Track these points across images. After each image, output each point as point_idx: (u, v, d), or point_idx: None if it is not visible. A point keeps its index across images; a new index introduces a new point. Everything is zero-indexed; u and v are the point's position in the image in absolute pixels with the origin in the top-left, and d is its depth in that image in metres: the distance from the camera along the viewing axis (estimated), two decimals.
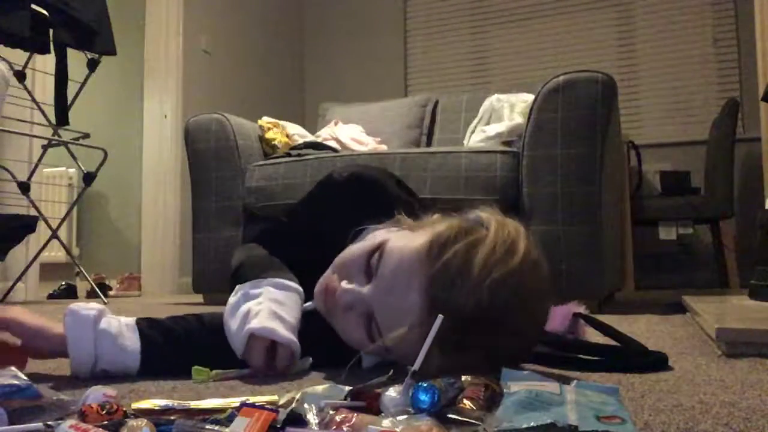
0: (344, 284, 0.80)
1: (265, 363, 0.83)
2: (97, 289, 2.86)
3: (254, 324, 0.83)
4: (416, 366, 0.59)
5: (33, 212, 2.79)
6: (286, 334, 0.83)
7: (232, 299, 0.89)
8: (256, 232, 1.08)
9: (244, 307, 0.86)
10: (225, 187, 2.43)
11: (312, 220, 1.01)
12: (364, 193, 0.94)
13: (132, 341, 0.83)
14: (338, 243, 0.89)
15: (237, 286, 0.91)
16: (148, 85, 3.77)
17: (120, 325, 0.84)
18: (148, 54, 3.77)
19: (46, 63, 2.98)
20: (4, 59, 2.60)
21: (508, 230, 0.76)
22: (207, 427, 0.48)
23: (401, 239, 0.79)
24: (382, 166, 2.16)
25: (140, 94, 3.82)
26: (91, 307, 0.83)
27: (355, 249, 0.84)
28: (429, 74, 4.64)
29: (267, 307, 0.85)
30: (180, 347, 0.85)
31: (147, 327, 0.85)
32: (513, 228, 0.78)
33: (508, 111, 2.49)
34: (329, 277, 0.85)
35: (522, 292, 0.72)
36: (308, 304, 0.91)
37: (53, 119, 2.85)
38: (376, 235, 0.85)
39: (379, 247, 0.79)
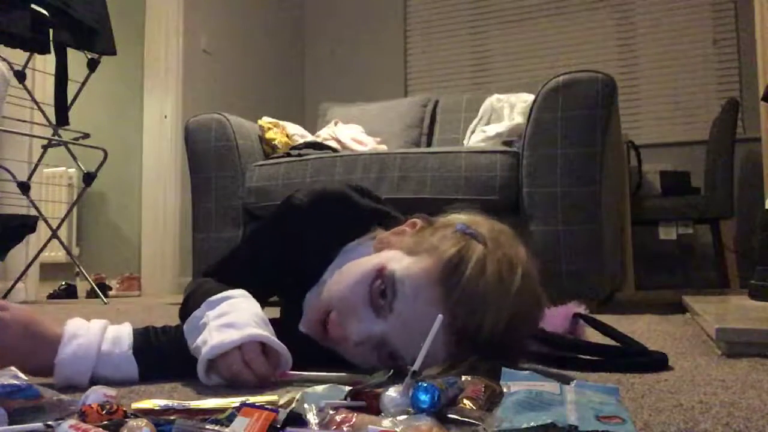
0: (353, 322, 0.78)
1: (249, 370, 0.75)
2: (97, 289, 2.85)
3: (205, 349, 0.75)
4: (416, 366, 0.59)
5: (33, 212, 2.79)
6: (238, 334, 0.75)
7: (196, 343, 0.79)
8: (219, 259, 1.01)
9: (198, 342, 0.78)
10: (225, 187, 2.43)
11: (281, 246, 0.95)
12: (332, 212, 0.92)
13: (130, 374, 0.80)
14: (309, 264, 0.89)
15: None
16: (148, 85, 3.77)
17: (117, 360, 0.79)
18: (148, 54, 3.77)
19: (46, 63, 2.98)
20: (4, 59, 2.61)
21: (502, 238, 0.78)
22: (207, 427, 0.48)
23: (402, 263, 0.78)
24: (378, 171, 2.18)
25: (140, 94, 3.82)
26: (85, 352, 0.77)
27: (351, 277, 0.81)
28: (429, 74, 4.64)
29: (212, 326, 0.77)
30: (178, 368, 0.81)
31: (144, 353, 0.81)
32: (503, 233, 0.80)
33: (508, 111, 2.49)
34: (324, 311, 0.81)
35: (530, 300, 0.77)
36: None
37: (53, 119, 2.85)
38: (369, 258, 0.83)
39: (380, 275, 0.77)
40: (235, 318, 0.78)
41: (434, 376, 0.59)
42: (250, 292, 0.86)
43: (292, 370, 0.79)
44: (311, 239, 0.92)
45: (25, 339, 0.76)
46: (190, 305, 0.87)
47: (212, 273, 0.98)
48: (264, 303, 0.91)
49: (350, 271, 0.83)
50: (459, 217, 0.82)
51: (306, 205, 0.92)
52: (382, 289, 0.77)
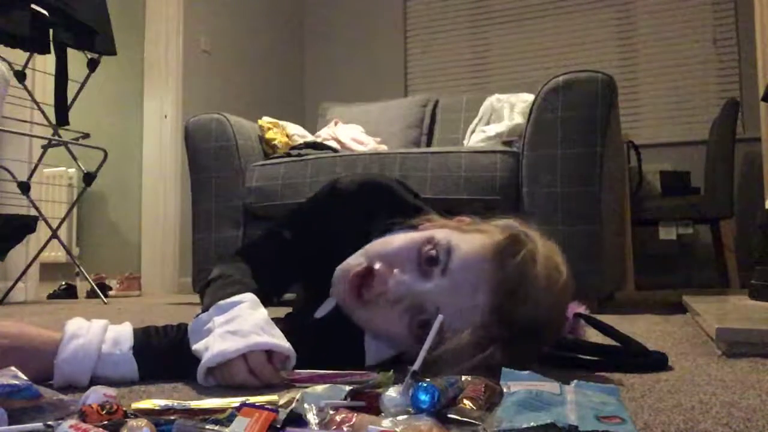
0: (398, 274, 0.77)
1: (253, 378, 0.75)
2: (97, 289, 2.85)
3: (207, 356, 0.75)
4: (416, 366, 0.60)
5: (33, 212, 2.79)
6: (241, 343, 0.74)
7: (195, 346, 0.80)
8: (254, 239, 1.02)
9: (199, 346, 0.78)
10: (225, 187, 2.43)
11: (319, 229, 0.96)
12: (377, 200, 0.93)
13: (130, 374, 0.80)
14: (342, 250, 0.88)
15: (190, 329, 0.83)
16: (148, 85, 3.77)
17: (117, 360, 0.79)
18: (148, 54, 3.77)
19: (46, 63, 2.98)
20: (4, 59, 2.60)
21: (549, 246, 0.80)
22: (207, 427, 0.48)
23: (457, 237, 0.78)
24: (378, 171, 2.18)
25: (140, 94, 3.82)
26: (85, 352, 0.77)
27: (401, 240, 0.81)
28: (429, 74, 4.64)
29: (216, 333, 0.77)
30: (178, 369, 0.81)
31: (144, 353, 0.80)
32: (551, 244, 0.82)
33: (508, 111, 2.49)
34: (364, 264, 0.79)
35: (564, 308, 0.80)
36: (322, 310, 0.89)
37: (53, 119, 2.85)
38: (416, 232, 0.83)
39: (431, 241, 0.78)
40: (240, 325, 0.77)
41: (434, 376, 0.59)
42: (278, 276, 0.88)
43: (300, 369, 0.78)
44: (351, 226, 0.91)
45: (14, 351, 0.75)
46: (205, 298, 0.86)
47: (245, 254, 0.98)
48: (286, 291, 0.93)
49: (396, 237, 0.83)
50: (508, 220, 0.83)
51: (355, 190, 0.94)
52: (431, 255, 0.77)
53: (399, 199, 0.95)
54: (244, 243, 1.05)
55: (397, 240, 0.82)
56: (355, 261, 0.82)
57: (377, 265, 0.79)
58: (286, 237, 0.98)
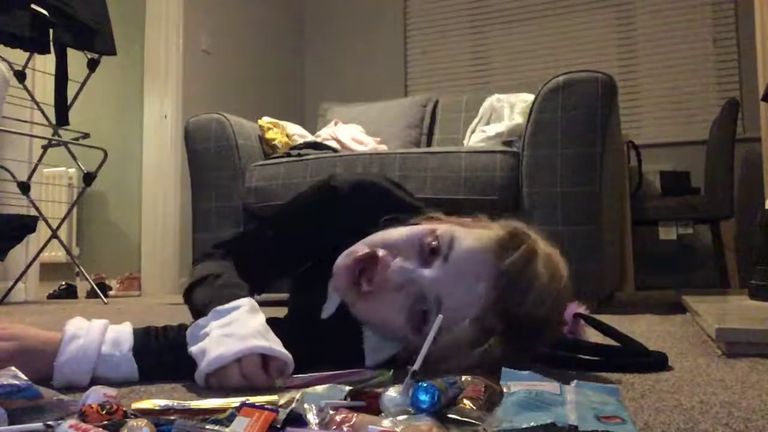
0: (399, 261, 0.77)
1: (247, 383, 0.74)
2: (97, 289, 2.86)
3: (205, 363, 0.74)
4: (416, 366, 0.60)
5: (33, 212, 2.79)
6: (237, 346, 0.74)
7: (192, 349, 0.79)
8: (236, 234, 1.02)
9: (196, 350, 0.78)
10: (225, 187, 2.43)
11: (309, 228, 0.96)
12: (371, 201, 0.93)
13: (130, 375, 0.80)
14: (337, 248, 0.87)
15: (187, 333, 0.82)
16: (148, 85, 3.77)
17: (117, 361, 0.79)
18: (148, 54, 3.77)
19: (46, 63, 2.98)
20: (4, 59, 2.61)
21: (550, 250, 0.81)
22: (207, 427, 0.48)
23: (460, 231, 0.79)
24: (378, 171, 2.18)
25: (140, 94, 3.82)
26: (85, 353, 0.77)
27: (404, 231, 0.81)
28: (429, 74, 4.64)
29: (213, 336, 0.76)
30: (178, 369, 0.81)
31: (144, 354, 0.80)
32: (553, 248, 0.82)
33: (508, 111, 2.49)
34: (367, 250, 0.79)
35: (562, 307, 0.81)
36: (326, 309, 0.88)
37: (53, 119, 2.85)
38: (426, 223, 0.84)
39: (433, 233, 0.78)
40: (237, 329, 0.77)
41: (434, 376, 0.59)
42: (259, 274, 0.89)
43: (298, 373, 0.78)
44: (345, 226, 0.90)
45: (19, 354, 0.75)
46: (197, 298, 0.86)
47: (229, 248, 0.97)
48: (267, 288, 0.93)
49: (399, 229, 0.83)
50: (511, 221, 0.84)
51: (347, 191, 0.93)
52: (433, 245, 0.77)
53: (395, 199, 0.95)
54: (224, 239, 1.02)
55: (400, 231, 0.82)
56: (358, 248, 0.82)
57: (380, 252, 0.79)
58: (269, 235, 0.97)
